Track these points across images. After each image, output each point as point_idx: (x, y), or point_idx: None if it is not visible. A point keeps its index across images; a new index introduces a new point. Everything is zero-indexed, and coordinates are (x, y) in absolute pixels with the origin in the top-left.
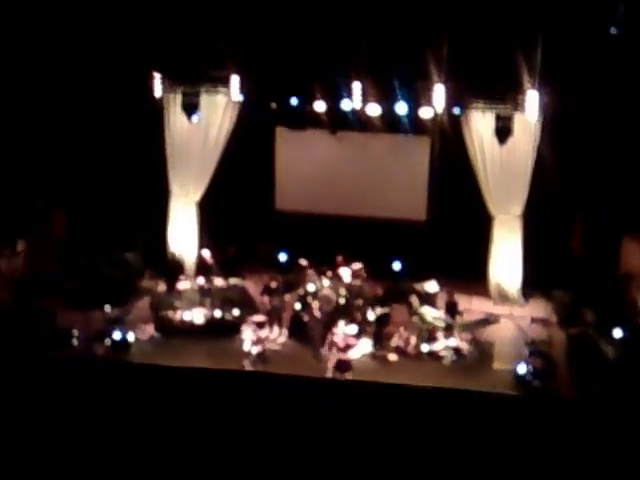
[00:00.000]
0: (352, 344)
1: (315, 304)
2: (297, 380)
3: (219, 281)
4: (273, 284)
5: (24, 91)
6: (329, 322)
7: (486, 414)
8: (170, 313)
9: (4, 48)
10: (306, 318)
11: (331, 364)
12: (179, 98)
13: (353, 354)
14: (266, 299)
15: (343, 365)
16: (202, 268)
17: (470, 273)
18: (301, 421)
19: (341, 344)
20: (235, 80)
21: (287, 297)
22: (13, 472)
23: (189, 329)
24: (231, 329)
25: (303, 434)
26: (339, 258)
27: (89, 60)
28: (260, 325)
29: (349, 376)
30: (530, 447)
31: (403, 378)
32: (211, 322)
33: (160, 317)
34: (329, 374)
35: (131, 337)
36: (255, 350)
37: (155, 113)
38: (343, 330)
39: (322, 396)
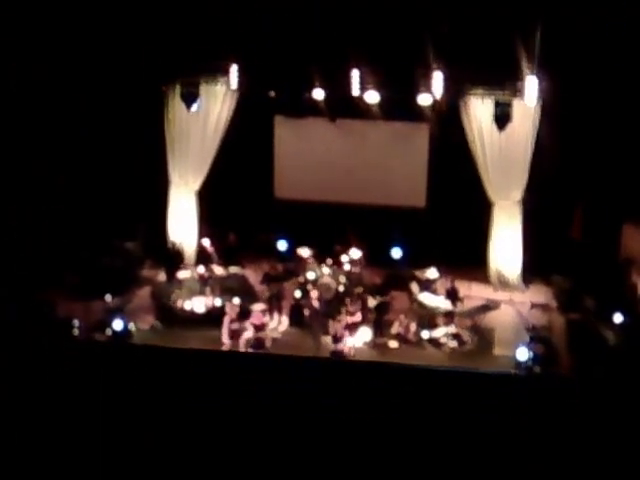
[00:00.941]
0: (355, 321)
1: (315, 292)
2: (295, 361)
3: (219, 270)
4: (273, 272)
5: (24, 85)
6: (330, 310)
7: (487, 395)
8: (171, 302)
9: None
10: (306, 308)
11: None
12: (177, 88)
13: (353, 341)
14: (265, 287)
15: (337, 356)
16: (202, 257)
17: (470, 259)
18: (300, 404)
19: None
20: (234, 69)
21: (287, 285)
22: (16, 461)
23: (190, 318)
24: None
25: (303, 417)
26: (338, 246)
27: (90, 55)
28: (240, 315)
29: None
30: (530, 430)
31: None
32: (212, 311)
33: (161, 306)
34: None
35: (132, 326)
36: (248, 335)
37: (156, 102)
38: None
39: (321, 377)
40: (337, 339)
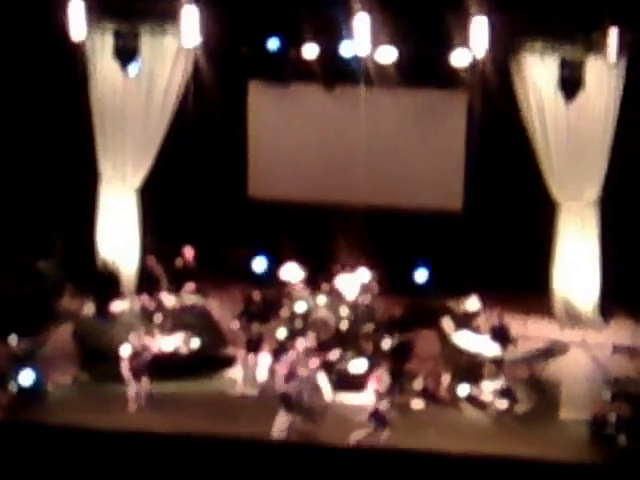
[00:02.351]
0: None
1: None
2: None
3: (170, 300)
4: (255, 305)
5: None
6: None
7: None
8: (104, 344)
9: None
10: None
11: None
12: (109, 40)
13: (363, 398)
14: (243, 326)
15: (378, 418)
16: (146, 282)
17: (526, 285)
18: None
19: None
20: (190, 14)
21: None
22: None
23: (142, 366)
24: (199, 364)
25: None
26: (339, 265)
27: None
28: None
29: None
30: None
31: (432, 438)
32: (167, 356)
33: (88, 351)
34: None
35: (46, 381)
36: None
37: (75, 63)
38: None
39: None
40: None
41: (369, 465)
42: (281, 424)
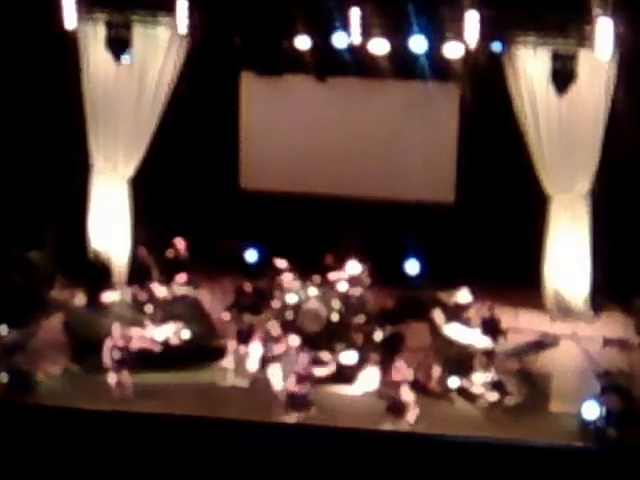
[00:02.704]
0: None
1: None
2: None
3: (161, 290)
4: (247, 297)
5: None
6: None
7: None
8: (94, 334)
9: None
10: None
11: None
12: (102, 30)
13: (353, 390)
14: (234, 318)
15: (297, 400)
16: (137, 272)
17: (516, 277)
18: None
19: (302, 372)
20: (182, 5)
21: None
22: None
23: (124, 357)
24: (189, 355)
25: None
26: (330, 256)
27: None
28: None
29: (310, 414)
30: None
31: (423, 426)
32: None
33: (79, 341)
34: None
35: (36, 372)
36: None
37: (67, 52)
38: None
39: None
40: (302, 377)
41: (358, 450)
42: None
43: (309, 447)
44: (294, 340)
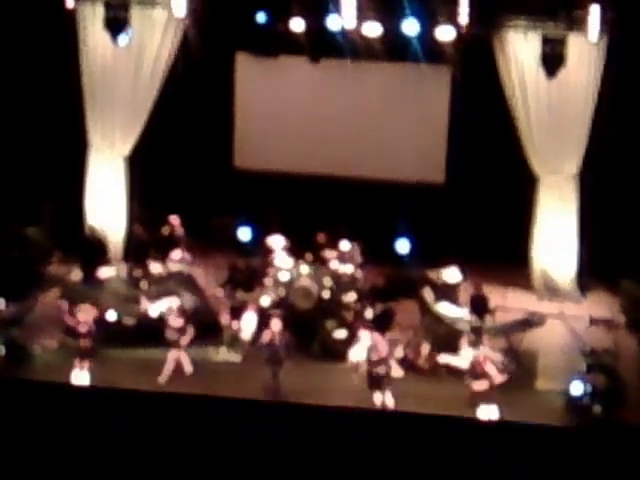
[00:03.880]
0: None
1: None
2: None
3: (156, 267)
4: (240, 273)
5: None
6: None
7: (528, 455)
8: None
9: None
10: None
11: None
12: (100, 11)
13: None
14: (227, 294)
15: (274, 357)
16: (133, 249)
17: (505, 257)
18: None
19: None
20: None
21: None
22: None
23: (118, 332)
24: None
25: None
26: (322, 235)
27: None
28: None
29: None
30: None
31: (411, 403)
32: (146, 323)
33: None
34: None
35: (33, 345)
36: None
37: (66, 32)
38: None
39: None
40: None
41: (348, 425)
42: None
43: (297, 426)
44: (276, 325)
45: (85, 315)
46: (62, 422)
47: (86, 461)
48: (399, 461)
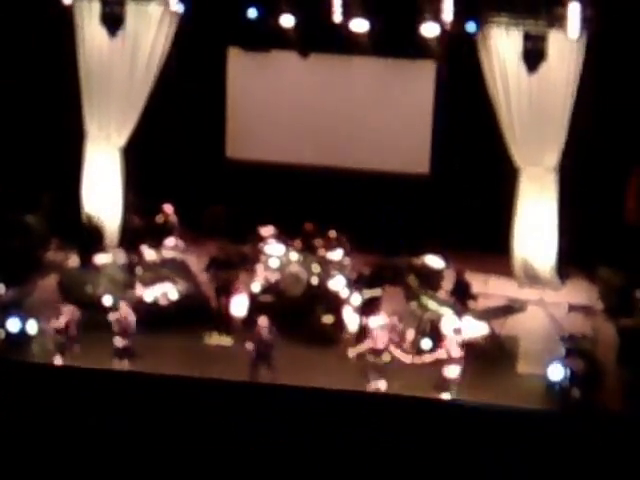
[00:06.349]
0: None
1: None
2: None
3: (151, 253)
4: (221, 256)
5: None
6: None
7: (508, 438)
8: (87, 294)
9: None
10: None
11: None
12: (97, 6)
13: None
14: (211, 276)
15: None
16: (128, 236)
17: (487, 245)
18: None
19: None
20: None
21: (239, 274)
22: None
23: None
24: (176, 316)
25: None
26: (311, 224)
27: None
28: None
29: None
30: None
31: (396, 387)
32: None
33: (72, 300)
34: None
35: (32, 328)
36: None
37: (64, 27)
38: None
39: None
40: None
41: (339, 407)
42: None
43: (288, 407)
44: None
45: (66, 317)
46: (58, 404)
47: (81, 441)
48: (387, 443)
